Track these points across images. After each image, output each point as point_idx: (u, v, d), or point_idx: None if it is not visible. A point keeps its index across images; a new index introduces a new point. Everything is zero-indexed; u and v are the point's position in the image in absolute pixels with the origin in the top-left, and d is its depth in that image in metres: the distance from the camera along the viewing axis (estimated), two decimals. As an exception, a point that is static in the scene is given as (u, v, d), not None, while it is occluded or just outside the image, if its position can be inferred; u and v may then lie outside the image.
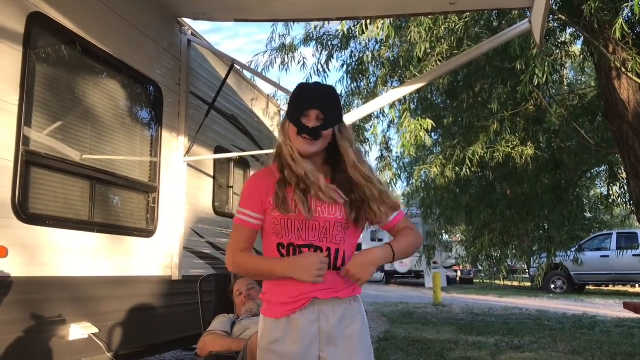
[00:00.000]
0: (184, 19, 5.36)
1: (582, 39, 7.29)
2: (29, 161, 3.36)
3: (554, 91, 8.74)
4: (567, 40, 7.81)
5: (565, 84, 10.67)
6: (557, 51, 7.21)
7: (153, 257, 4.66)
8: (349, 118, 5.39)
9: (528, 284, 21.21)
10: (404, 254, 2.17)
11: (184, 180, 5.12)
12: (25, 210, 3.31)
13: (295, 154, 2.06)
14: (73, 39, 3.81)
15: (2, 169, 3.15)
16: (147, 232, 4.62)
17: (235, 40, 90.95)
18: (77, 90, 3.94)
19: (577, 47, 8.83)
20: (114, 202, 4.36)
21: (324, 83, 2.34)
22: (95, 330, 3.72)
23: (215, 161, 5.84)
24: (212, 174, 5.78)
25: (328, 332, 2.05)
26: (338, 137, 2.10)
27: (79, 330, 3.62)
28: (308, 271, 1.96)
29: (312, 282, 1.98)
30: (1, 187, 3.14)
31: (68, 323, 3.58)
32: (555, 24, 7.10)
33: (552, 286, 18.54)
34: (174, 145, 5.06)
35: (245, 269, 2.18)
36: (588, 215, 11.74)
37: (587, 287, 19.33)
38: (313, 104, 2.05)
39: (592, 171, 10.28)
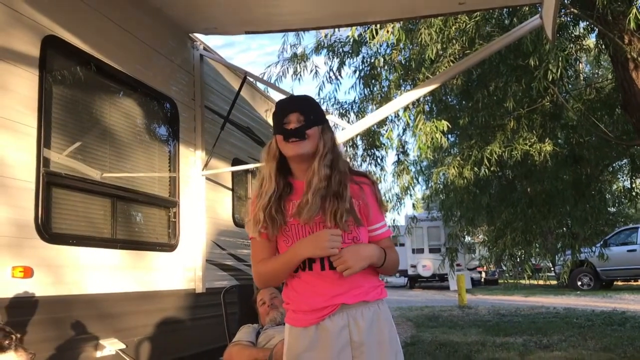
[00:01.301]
0: (196, 35, 5.42)
1: (596, 31, 7.21)
2: (49, 182, 3.41)
3: (570, 86, 8.65)
4: (580, 34, 7.73)
5: (582, 78, 10.58)
6: (571, 45, 7.13)
7: (176, 270, 4.70)
8: (364, 123, 5.38)
9: (554, 282, 20.98)
10: (390, 268, 2.17)
11: (203, 194, 5.16)
12: (48, 231, 3.36)
13: (268, 173, 2.13)
14: (87, 59, 3.87)
15: (23, 190, 3.21)
16: (169, 247, 4.66)
17: (248, 53, 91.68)
18: (94, 110, 4.00)
19: (591, 40, 8.74)
20: (136, 219, 4.41)
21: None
22: (123, 346, 3.76)
23: (233, 173, 5.88)
24: (230, 186, 5.82)
25: (359, 338, 2.03)
26: (318, 139, 2.12)
27: (106, 347, 3.65)
28: (320, 245, 1.97)
29: (328, 255, 1.97)
30: (24, 208, 3.20)
31: (95, 340, 3.62)
32: (568, 18, 7.04)
33: (579, 283, 18.24)
34: (191, 160, 5.10)
35: (266, 274, 2.15)
36: (612, 209, 11.58)
37: (615, 283, 19.02)
38: (291, 108, 2.13)
39: (614, 165, 10.13)
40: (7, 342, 2.42)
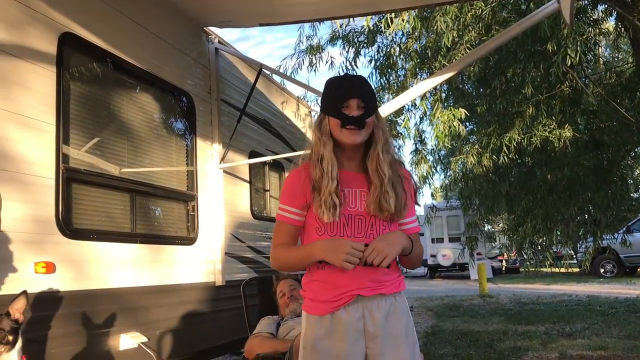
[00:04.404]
0: (211, 28, 5.43)
1: (615, 14, 7.09)
2: (69, 178, 3.44)
3: (589, 70, 8.52)
4: (599, 17, 7.60)
5: (601, 62, 10.41)
6: (590, 29, 7.02)
7: (196, 264, 4.73)
8: (381, 113, 5.34)
9: (576, 270, 20.75)
10: (415, 256, 2.13)
11: (221, 187, 5.18)
12: (69, 226, 3.40)
13: (328, 153, 2.04)
14: (104, 56, 3.90)
15: (44, 187, 3.24)
16: (188, 240, 4.69)
17: (263, 47, 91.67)
18: (111, 105, 4.02)
19: (610, 24, 8.59)
20: (155, 213, 4.44)
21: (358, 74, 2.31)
22: (145, 339, 3.80)
23: (251, 166, 5.89)
24: (248, 178, 5.84)
25: (373, 329, 2.03)
26: (374, 126, 2.08)
27: (128, 340, 3.69)
28: (336, 254, 1.92)
29: (340, 267, 1.92)
30: (44, 204, 3.24)
31: (118, 333, 3.66)
32: (586, 1, 6.93)
33: (602, 270, 18.00)
34: (209, 153, 5.12)
35: (282, 260, 2.13)
36: (634, 195, 11.40)
37: (638, 270, 18.75)
38: (353, 93, 2.03)
39: (636, 150, 9.95)
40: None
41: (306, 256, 2.05)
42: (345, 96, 2.03)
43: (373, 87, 2.18)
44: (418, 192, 9.22)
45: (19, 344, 2.44)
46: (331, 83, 2.13)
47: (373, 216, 2.04)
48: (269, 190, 6.45)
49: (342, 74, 7.78)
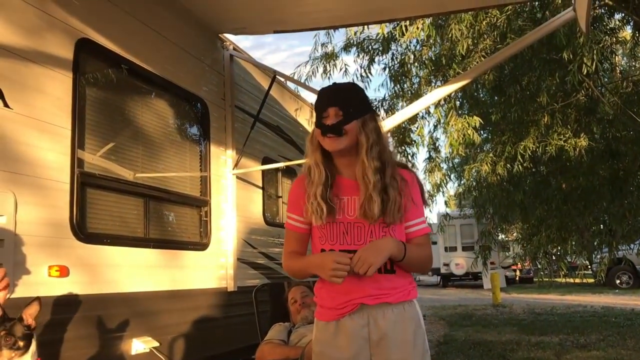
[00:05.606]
0: (225, 35, 5.46)
1: (632, 22, 7.03)
2: (84, 182, 3.47)
3: (605, 79, 8.44)
4: (616, 26, 7.54)
5: (618, 71, 10.32)
6: (606, 38, 6.96)
7: (208, 269, 4.74)
8: (394, 120, 5.34)
9: (591, 281, 20.53)
10: (414, 260, 2.07)
11: (234, 193, 5.20)
12: (83, 230, 3.42)
13: (314, 162, 2.10)
14: (120, 62, 3.93)
15: (58, 191, 3.27)
16: (201, 246, 4.71)
17: (277, 54, 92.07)
18: (126, 111, 4.05)
19: (627, 32, 8.52)
20: (168, 218, 4.46)
21: (347, 81, 2.35)
22: (156, 344, 3.81)
23: (264, 172, 5.90)
24: (260, 184, 5.85)
25: (378, 337, 2.03)
26: (358, 133, 2.05)
27: (140, 345, 3.71)
28: (323, 271, 1.97)
29: (329, 281, 1.97)
30: (59, 208, 3.26)
31: (130, 338, 3.67)
32: (602, 10, 6.88)
33: (617, 281, 17.80)
34: (222, 159, 5.14)
35: (289, 268, 2.21)
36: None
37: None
38: (330, 101, 2.07)
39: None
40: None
41: (306, 268, 2.13)
42: (323, 105, 2.07)
43: (361, 90, 2.18)
44: (432, 201, 9.20)
45: (32, 347, 2.45)
46: (318, 93, 2.19)
47: (371, 223, 2.04)
48: (281, 197, 6.46)
49: (357, 82, 7.80)
